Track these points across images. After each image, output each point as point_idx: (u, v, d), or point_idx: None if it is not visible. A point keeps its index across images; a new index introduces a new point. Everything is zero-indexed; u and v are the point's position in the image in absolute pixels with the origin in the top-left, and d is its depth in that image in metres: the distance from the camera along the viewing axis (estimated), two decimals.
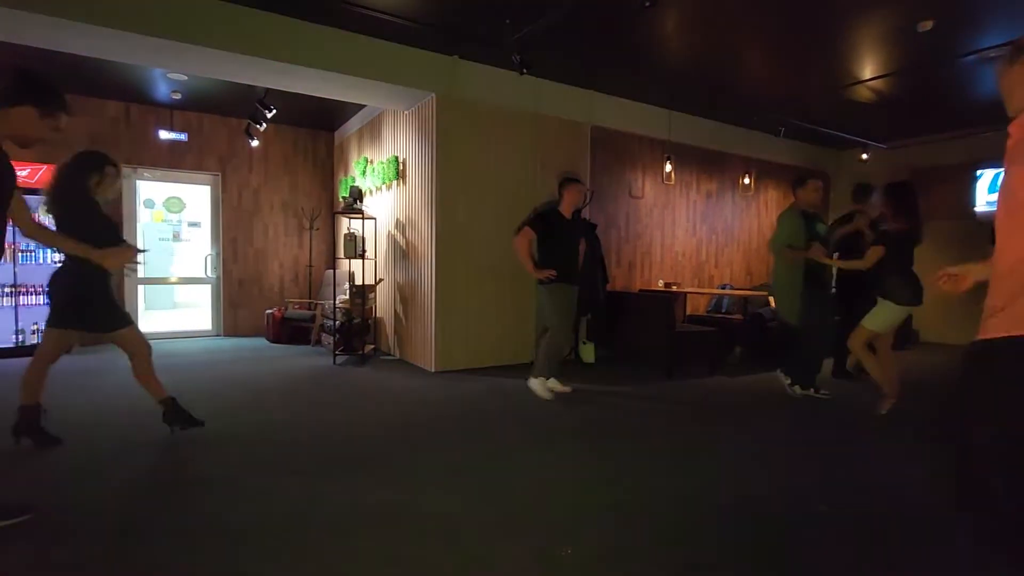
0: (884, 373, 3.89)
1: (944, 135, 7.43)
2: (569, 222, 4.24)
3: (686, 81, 5.72)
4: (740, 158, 7.63)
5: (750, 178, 7.69)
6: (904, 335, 7.32)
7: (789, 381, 4.39)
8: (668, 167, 6.62)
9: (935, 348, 6.98)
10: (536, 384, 4.23)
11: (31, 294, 5.69)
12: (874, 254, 3.78)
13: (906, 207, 3.76)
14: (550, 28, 4.25)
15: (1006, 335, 1.41)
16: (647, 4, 3.63)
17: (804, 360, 4.33)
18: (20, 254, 5.63)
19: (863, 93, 5.89)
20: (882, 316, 3.78)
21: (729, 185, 7.63)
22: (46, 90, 2.17)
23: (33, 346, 5.62)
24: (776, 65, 5.38)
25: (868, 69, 5.27)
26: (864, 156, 7.90)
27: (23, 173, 5.54)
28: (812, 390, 4.34)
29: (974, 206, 7.27)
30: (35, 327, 5.70)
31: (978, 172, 7.22)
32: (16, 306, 5.60)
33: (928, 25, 4.26)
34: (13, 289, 5.59)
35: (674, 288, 6.48)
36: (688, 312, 6.75)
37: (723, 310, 6.84)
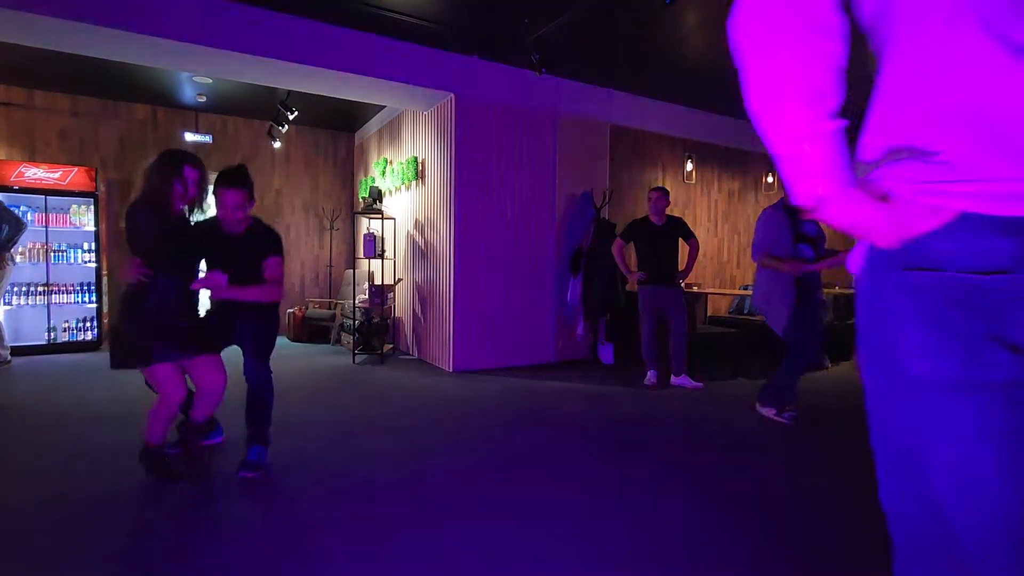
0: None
1: None
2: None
3: (707, 78, 5.63)
4: (763, 156, 7.49)
5: (774, 176, 7.55)
6: None
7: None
8: (689, 166, 6.54)
9: None
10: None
11: (63, 292, 5.85)
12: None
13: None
14: (568, 27, 4.23)
15: None
16: (667, 1, 3.59)
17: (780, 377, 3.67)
18: (52, 254, 5.79)
19: None
20: None
21: (752, 184, 7.51)
22: None
23: (64, 344, 5.81)
24: None
25: None
26: None
27: (55, 175, 5.71)
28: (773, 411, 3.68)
29: None
30: (66, 325, 5.87)
31: None
32: (48, 304, 5.76)
33: None
34: (46, 288, 5.76)
35: (695, 289, 6.39)
36: (709, 313, 6.65)
37: (745, 312, 6.72)
